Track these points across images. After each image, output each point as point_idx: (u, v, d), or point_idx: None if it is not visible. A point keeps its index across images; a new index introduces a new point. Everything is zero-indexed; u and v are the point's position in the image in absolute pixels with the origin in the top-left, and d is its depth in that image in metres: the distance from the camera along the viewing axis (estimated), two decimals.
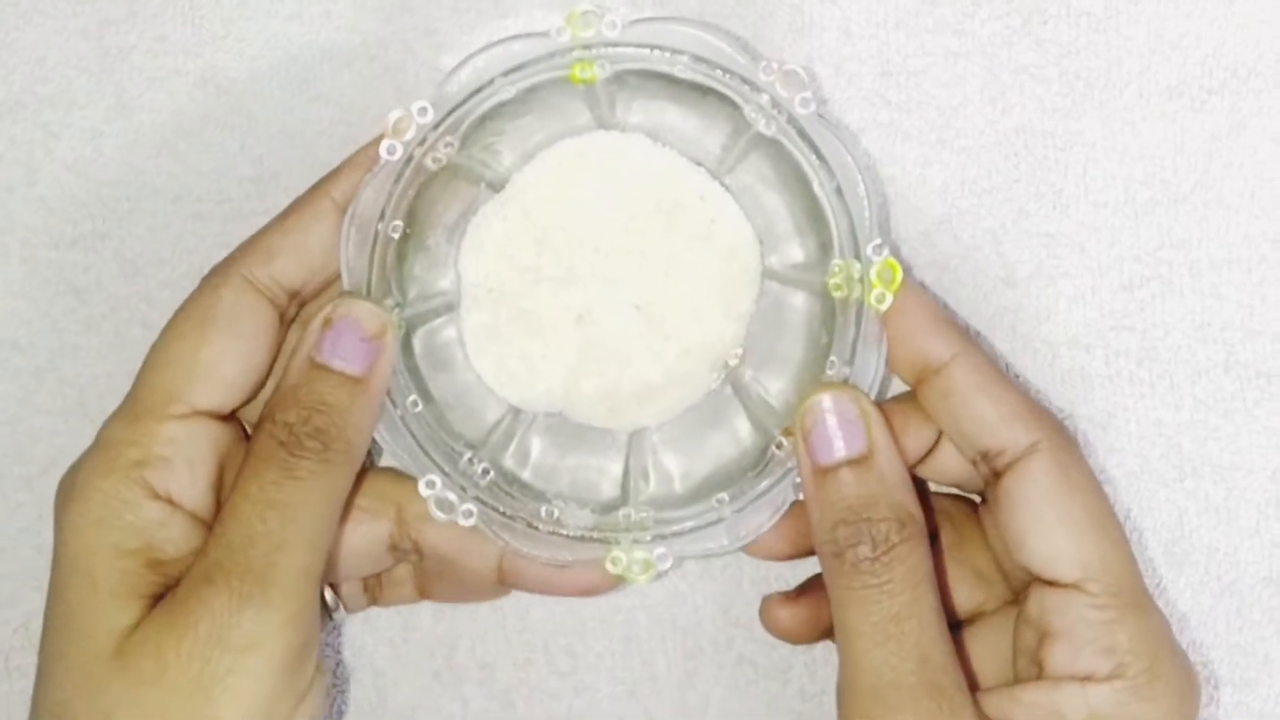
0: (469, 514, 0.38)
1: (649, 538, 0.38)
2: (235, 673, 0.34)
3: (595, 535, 0.38)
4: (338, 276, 0.38)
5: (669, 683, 0.43)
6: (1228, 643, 0.42)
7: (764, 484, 0.38)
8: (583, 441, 0.41)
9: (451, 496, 0.37)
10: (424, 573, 0.42)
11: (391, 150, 0.37)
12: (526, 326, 0.40)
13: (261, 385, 0.38)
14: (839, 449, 0.36)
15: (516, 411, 0.41)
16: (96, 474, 0.36)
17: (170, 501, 0.36)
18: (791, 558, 0.40)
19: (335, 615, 0.42)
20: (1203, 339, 0.42)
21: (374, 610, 0.43)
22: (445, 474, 0.38)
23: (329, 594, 0.41)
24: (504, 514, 0.38)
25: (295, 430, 0.35)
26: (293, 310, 0.38)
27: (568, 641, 0.44)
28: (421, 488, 0.37)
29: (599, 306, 0.40)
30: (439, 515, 0.37)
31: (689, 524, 0.38)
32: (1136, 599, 0.36)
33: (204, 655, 0.34)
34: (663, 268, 0.40)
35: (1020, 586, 0.38)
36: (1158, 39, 0.41)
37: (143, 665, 0.34)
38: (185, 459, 0.36)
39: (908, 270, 0.42)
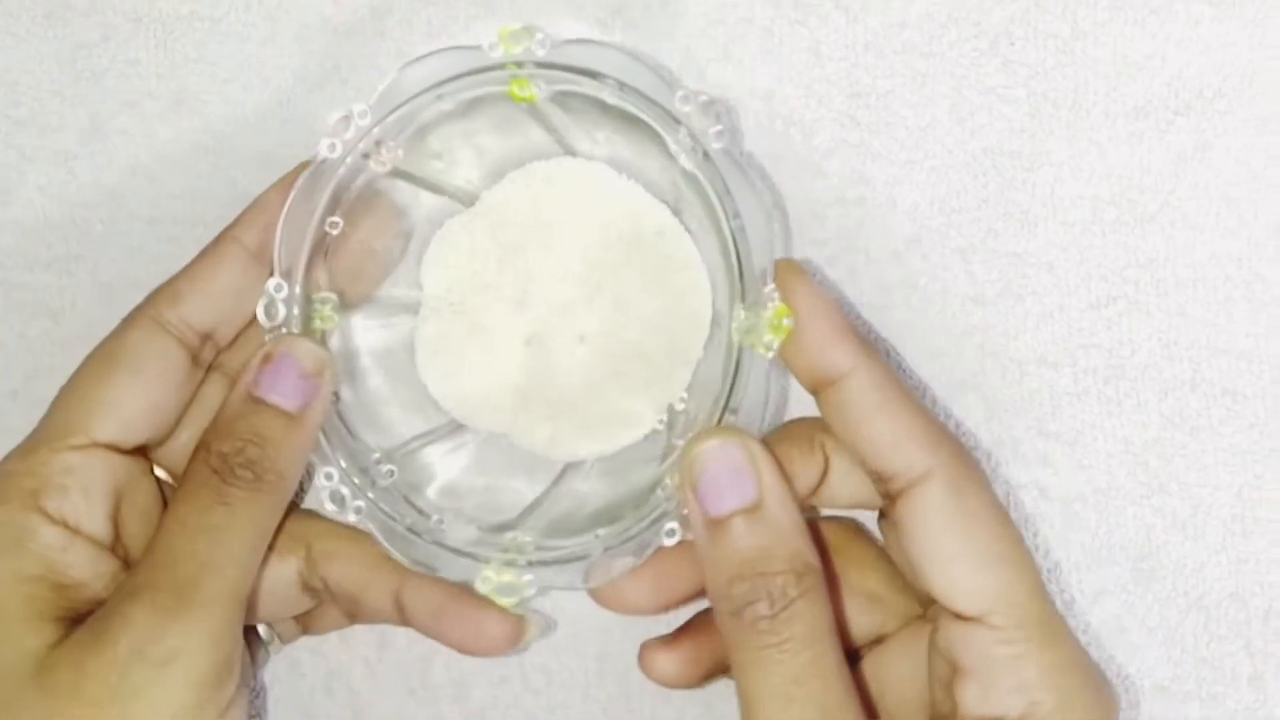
0: (358, 510, 0.38)
1: (523, 561, 0.38)
2: (154, 685, 0.34)
3: (471, 551, 0.38)
4: (252, 320, 0.38)
5: (643, 701, 0.43)
6: (1195, 657, 0.42)
7: (639, 526, 0.37)
8: (512, 464, 0.41)
9: (344, 491, 0.38)
10: (410, 604, 0.41)
11: (331, 148, 0.38)
12: (480, 343, 0.40)
13: (170, 425, 0.39)
14: (729, 498, 0.34)
15: (455, 425, 0.41)
16: None
17: (68, 527, 0.37)
18: (654, 612, 0.39)
19: (270, 648, 0.42)
20: (1169, 357, 0.42)
21: (348, 629, 0.44)
22: (342, 468, 0.38)
23: (262, 628, 0.42)
24: (388, 515, 0.38)
25: (229, 459, 0.36)
26: (208, 353, 0.39)
27: (542, 659, 0.44)
28: (319, 479, 0.38)
29: (548, 332, 0.40)
30: (331, 508, 0.38)
31: (559, 553, 0.38)
32: (1044, 629, 0.35)
33: (123, 668, 0.34)
34: (613, 302, 0.40)
35: (926, 599, 0.37)
36: (1124, 61, 0.42)
37: (60, 680, 0.34)
38: (81, 487, 0.37)
39: (867, 298, 0.42)
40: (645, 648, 0.39)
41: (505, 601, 0.38)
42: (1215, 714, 0.42)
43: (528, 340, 0.40)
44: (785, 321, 0.36)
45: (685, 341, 0.40)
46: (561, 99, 0.38)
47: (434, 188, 0.40)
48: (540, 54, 0.37)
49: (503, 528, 0.40)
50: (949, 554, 0.35)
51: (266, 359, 0.37)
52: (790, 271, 0.36)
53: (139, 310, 0.38)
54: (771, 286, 0.36)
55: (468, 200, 0.41)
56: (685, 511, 0.36)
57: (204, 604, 0.35)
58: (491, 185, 0.40)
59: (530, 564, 0.37)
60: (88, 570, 0.37)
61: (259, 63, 0.43)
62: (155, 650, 0.34)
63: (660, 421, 0.40)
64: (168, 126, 0.43)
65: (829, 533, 0.39)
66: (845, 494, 0.38)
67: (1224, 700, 0.42)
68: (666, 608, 0.39)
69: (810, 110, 0.42)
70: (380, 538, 0.38)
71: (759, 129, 0.42)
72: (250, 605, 0.38)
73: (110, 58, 0.43)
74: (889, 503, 0.36)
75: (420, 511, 0.39)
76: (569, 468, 0.41)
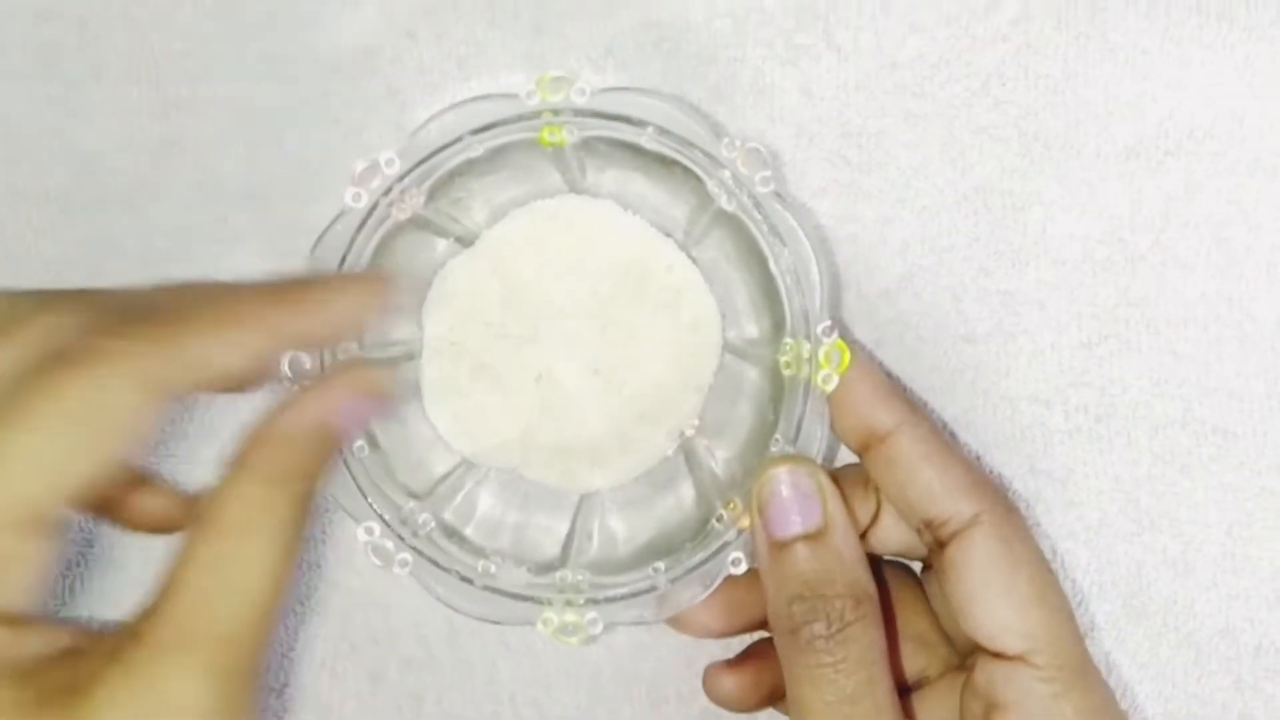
0: (404, 563, 0.38)
1: (582, 601, 0.38)
2: None
3: (529, 594, 0.38)
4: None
5: None
6: (1185, 693, 0.43)
7: (699, 556, 0.38)
8: (532, 500, 0.41)
9: (389, 545, 0.38)
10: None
11: (356, 198, 0.38)
12: (486, 381, 0.41)
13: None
14: (795, 523, 0.36)
15: (469, 465, 0.41)
16: None
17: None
18: (722, 635, 0.40)
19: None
20: (1160, 395, 0.42)
21: (341, 665, 0.44)
22: (384, 521, 0.38)
23: None
24: (440, 566, 0.38)
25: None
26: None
27: (534, 694, 0.44)
28: (360, 534, 0.38)
29: (559, 367, 0.41)
30: (375, 562, 0.38)
31: (622, 590, 0.38)
32: (1081, 673, 0.36)
33: None
34: (626, 334, 0.40)
35: (966, 650, 0.39)
36: (1115, 101, 0.42)
37: None
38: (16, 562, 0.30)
39: (857, 341, 0.42)
40: (710, 670, 0.40)
41: (572, 641, 0.38)
42: None
43: (539, 376, 0.40)
44: (846, 358, 0.37)
45: (696, 370, 0.41)
46: (588, 143, 0.38)
47: (444, 232, 0.41)
48: (580, 102, 0.37)
49: (548, 567, 0.40)
50: (994, 595, 0.36)
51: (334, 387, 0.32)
52: (833, 347, 0.37)
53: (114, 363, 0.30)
54: (827, 323, 0.37)
55: (468, 240, 0.41)
56: (749, 536, 0.37)
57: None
58: (494, 224, 0.40)
59: (590, 602, 0.38)
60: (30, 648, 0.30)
61: (251, 101, 0.43)
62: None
63: (671, 448, 0.41)
64: (159, 165, 0.43)
65: (886, 572, 0.40)
66: (893, 539, 0.39)
67: None
68: (736, 631, 0.40)
69: (801, 150, 0.42)
70: (434, 590, 0.38)
71: (780, 155, 0.43)
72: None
73: (103, 96, 0.43)
74: (936, 550, 0.37)
75: (470, 554, 0.39)
76: (584, 500, 0.41)
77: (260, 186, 0.43)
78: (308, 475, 0.31)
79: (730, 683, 0.40)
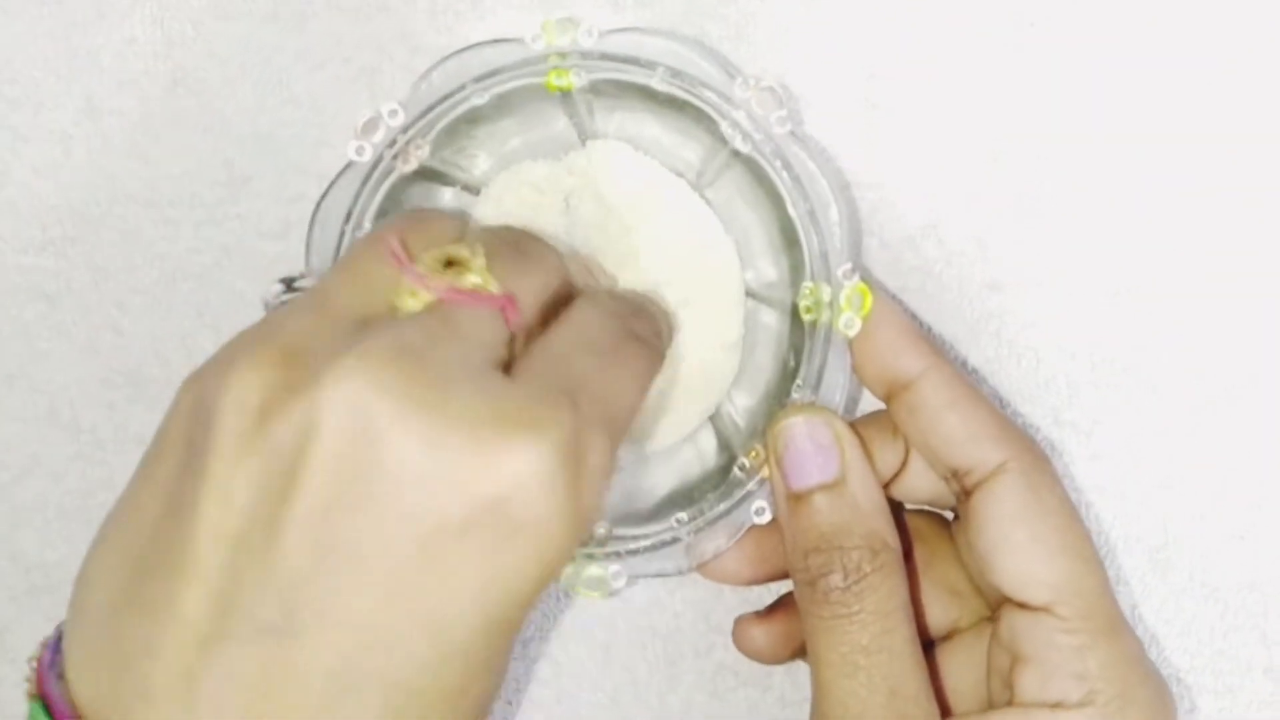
0: None
1: (604, 554, 0.38)
2: None
3: None
4: None
5: (650, 689, 0.43)
6: (1210, 649, 0.42)
7: (722, 506, 0.38)
8: None
9: None
10: None
11: (360, 151, 0.37)
12: None
13: None
14: (812, 474, 0.36)
15: None
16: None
17: None
18: (752, 583, 0.39)
19: None
20: (1188, 345, 0.41)
21: None
22: None
23: None
24: None
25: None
26: None
27: (548, 648, 0.43)
28: None
29: None
30: None
31: (645, 543, 0.38)
32: (1109, 623, 0.35)
33: None
34: (646, 285, 0.39)
35: (996, 601, 0.38)
36: (1153, 38, 0.40)
37: None
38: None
39: (880, 284, 0.41)
40: (739, 622, 0.40)
41: (594, 594, 0.38)
42: (1230, 705, 0.42)
43: None
44: (868, 301, 0.36)
45: (723, 324, 0.40)
46: (596, 86, 0.37)
47: (450, 181, 0.39)
48: (587, 44, 0.36)
49: None
50: (1020, 544, 0.35)
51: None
52: (855, 290, 0.37)
53: None
54: (848, 266, 0.36)
55: (476, 190, 0.40)
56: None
57: None
58: (499, 173, 0.39)
59: (613, 555, 0.37)
60: None
61: (259, 41, 0.42)
62: None
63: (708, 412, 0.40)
64: (164, 106, 0.42)
65: (918, 523, 0.40)
66: (923, 487, 0.38)
67: (1239, 692, 0.42)
68: (765, 579, 0.39)
69: (825, 91, 0.41)
70: None
71: (797, 94, 0.42)
72: None
73: (106, 35, 0.42)
74: (963, 498, 0.37)
75: None
76: None
77: (268, 129, 0.42)
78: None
79: (760, 635, 0.39)
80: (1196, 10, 0.40)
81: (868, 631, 0.34)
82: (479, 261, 0.31)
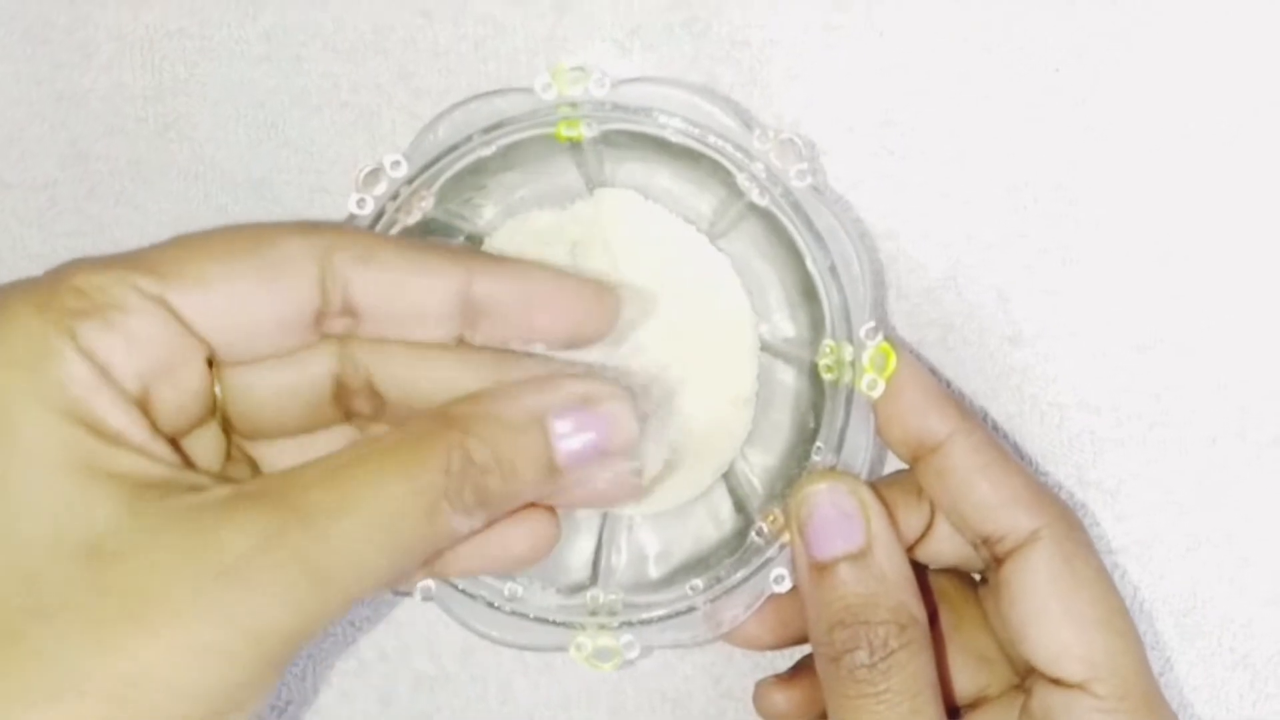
0: (427, 590, 0.36)
1: (616, 624, 0.36)
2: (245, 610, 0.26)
3: (560, 619, 0.36)
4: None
5: None
6: (1240, 716, 0.41)
7: (740, 574, 0.36)
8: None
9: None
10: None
11: (361, 204, 0.35)
12: None
13: (253, 350, 0.30)
14: (837, 543, 0.34)
15: None
16: (21, 305, 0.27)
17: (97, 364, 0.27)
18: (773, 648, 0.38)
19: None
20: (1217, 402, 0.40)
21: (349, 684, 0.41)
22: None
23: None
24: (464, 592, 0.36)
25: (476, 479, 0.29)
26: (335, 326, 0.31)
27: (552, 713, 0.42)
28: None
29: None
30: (394, 591, 0.36)
31: (659, 612, 0.36)
32: (1146, 700, 0.34)
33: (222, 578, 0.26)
34: (656, 341, 0.38)
35: (1025, 669, 0.36)
36: (1174, 88, 0.39)
37: (129, 576, 0.26)
38: (126, 335, 0.28)
39: (903, 342, 0.40)
40: (760, 686, 0.39)
41: (606, 667, 0.36)
42: None
43: None
44: (892, 362, 0.35)
45: (736, 379, 0.38)
46: (607, 136, 0.36)
47: (453, 232, 0.38)
48: (599, 94, 0.34)
49: (578, 587, 0.38)
50: (1054, 617, 0.34)
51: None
52: (878, 351, 0.35)
53: (309, 229, 0.30)
54: (871, 324, 0.35)
55: (479, 240, 0.38)
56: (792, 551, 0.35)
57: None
58: (503, 225, 0.38)
59: (625, 624, 0.36)
60: (123, 422, 0.27)
61: (252, 84, 0.40)
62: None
63: (720, 472, 0.39)
64: (155, 152, 0.40)
65: (944, 585, 0.38)
66: (949, 551, 0.37)
67: None
68: (787, 644, 0.38)
69: (839, 138, 0.40)
70: (459, 617, 0.36)
71: (817, 145, 0.40)
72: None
73: (94, 79, 0.40)
74: (993, 566, 0.35)
75: (495, 577, 0.37)
76: (609, 515, 0.39)
77: (263, 175, 0.41)
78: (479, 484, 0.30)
79: (783, 700, 0.38)
80: (1226, 60, 0.39)
81: (895, 712, 0.33)
82: None
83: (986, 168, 0.40)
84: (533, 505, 0.32)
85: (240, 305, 0.29)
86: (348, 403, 0.32)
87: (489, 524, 0.30)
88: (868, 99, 0.40)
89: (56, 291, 0.28)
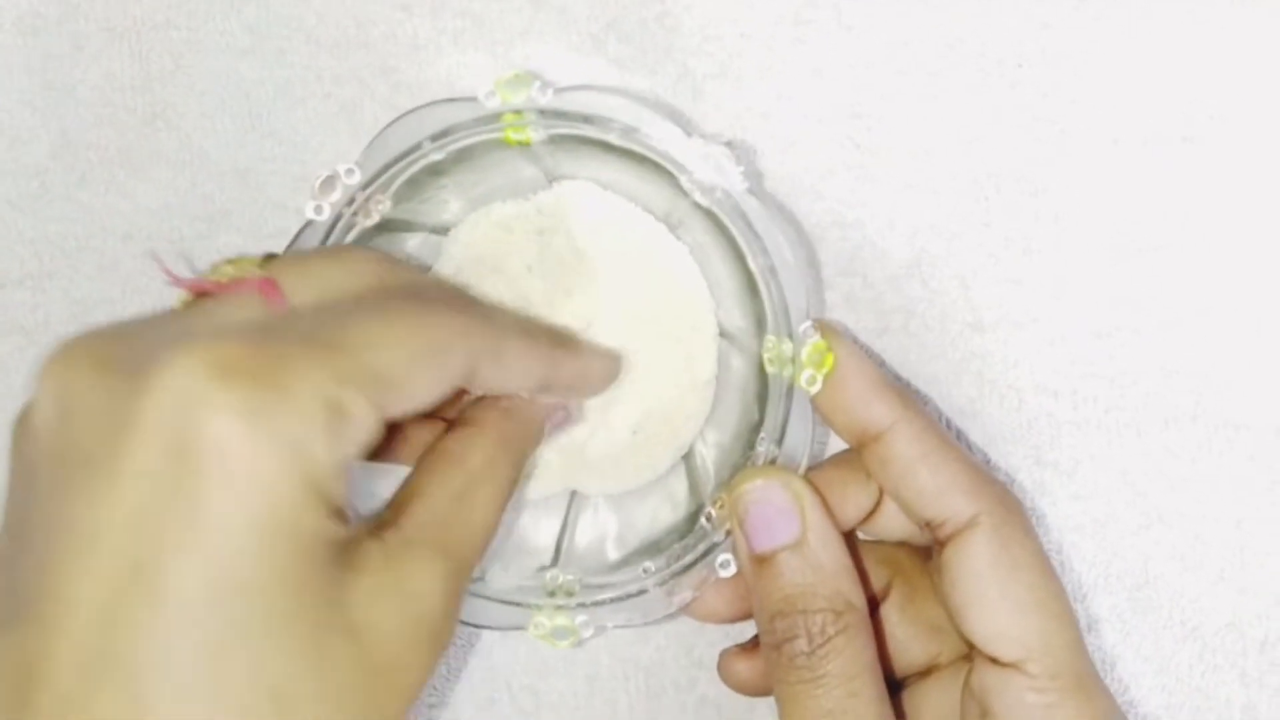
0: None
1: (573, 604, 0.38)
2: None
3: (519, 600, 0.38)
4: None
5: None
6: (1189, 686, 0.42)
7: (688, 558, 0.38)
8: (520, 497, 0.40)
9: None
10: None
11: (318, 210, 0.36)
12: None
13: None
14: (774, 535, 0.36)
15: None
16: (288, 376, 0.28)
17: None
18: (734, 621, 0.39)
19: None
20: (1171, 387, 0.41)
21: None
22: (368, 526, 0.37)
23: None
24: None
25: None
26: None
27: (530, 680, 0.43)
28: None
29: None
30: None
31: (613, 593, 0.38)
32: (1079, 681, 0.35)
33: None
34: (618, 321, 0.39)
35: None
36: (1134, 85, 0.40)
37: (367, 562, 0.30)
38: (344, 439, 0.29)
39: (864, 324, 0.41)
40: (724, 655, 0.40)
41: (562, 645, 0.38)
42: None
43: None
44: (829, 361, 0.36)
45: (698, 361, 0.39)
46: (554, 139, 0.37)
47: (416, 229, 0.39)
48: (542, 102, 0.35)
49: (541, 569, 0.39)
50: (990, 600, 0.35)
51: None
52: (825, 327, 0.37)
53: (462, 330, 0.32)
54: (809, 324, 0.36)
55: (444, 232, 0.39)
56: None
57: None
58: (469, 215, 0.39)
59: (581, 605, 0.37)
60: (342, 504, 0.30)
61: (238, 76, 0.41)
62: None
63: (678, 454, 0.40)
64: (143, 140, 0.41)
65: (899, 556, 0.39)
66: (898, 526, 0.38)
67: None
68: (748, 616, 0.39)
69: (809, 130, 0.41)
70: None
71: (756, 149, 0.41)
72: None
73: (83, 70, 0.41)
74: (936, 548, 0.36)
75: None
76: (576, 496, 0.40)
77: (248, 163, 0.42)
78: (525, 450, 0.35)
79: (745, 668, 0.39)
80: (1187, 56, 0.40)
81: (832, 696, 0.34)
82: (249, 261, 0.32)
83: (951, 160, 0.41)
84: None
85: (419, 402, 0.31)
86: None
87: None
88: (836, 92, 0.41)
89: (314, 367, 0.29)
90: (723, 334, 0.40)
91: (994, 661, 0.35)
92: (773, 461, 0.37)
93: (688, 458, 0.40)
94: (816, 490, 0.36)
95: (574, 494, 0.40)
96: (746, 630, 0.41)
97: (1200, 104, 0.40)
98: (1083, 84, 0.40)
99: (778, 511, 0.36)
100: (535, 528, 0.40)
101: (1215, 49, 0.40)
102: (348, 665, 0.29)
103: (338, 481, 0.29)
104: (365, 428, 0.29)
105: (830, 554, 0.36)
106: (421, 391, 0.30)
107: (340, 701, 0.28)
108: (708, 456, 0.40)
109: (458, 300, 0.34)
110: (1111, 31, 0.40)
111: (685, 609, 0.39)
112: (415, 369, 0.30)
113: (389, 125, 0.36)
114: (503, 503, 0.34)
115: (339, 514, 0.29)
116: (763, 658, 0.36)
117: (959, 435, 0.42)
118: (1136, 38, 0.40)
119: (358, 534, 0.30)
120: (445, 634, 0.31)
